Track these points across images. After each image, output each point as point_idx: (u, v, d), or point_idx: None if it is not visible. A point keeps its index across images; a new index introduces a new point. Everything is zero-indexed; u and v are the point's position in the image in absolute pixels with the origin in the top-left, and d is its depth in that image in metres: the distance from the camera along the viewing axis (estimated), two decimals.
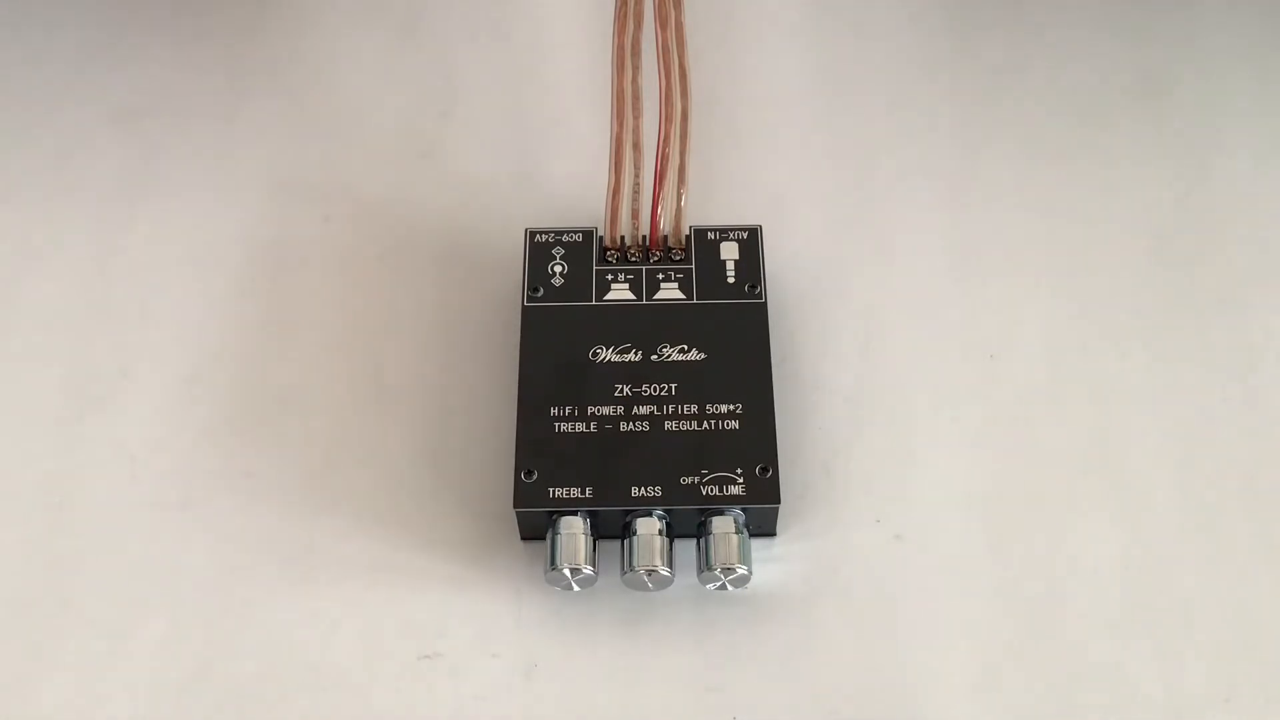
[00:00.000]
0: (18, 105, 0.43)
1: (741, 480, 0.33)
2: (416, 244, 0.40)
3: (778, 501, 0.33)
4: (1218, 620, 0.34)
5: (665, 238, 0.38)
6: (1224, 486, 0.36)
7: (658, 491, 0.33)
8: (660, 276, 0.37)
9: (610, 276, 0.37)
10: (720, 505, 0.33)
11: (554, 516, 0.34)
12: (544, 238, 0.38)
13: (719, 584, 0.34)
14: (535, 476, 0.34)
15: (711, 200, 0.40)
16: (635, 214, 0.37)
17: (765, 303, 0.36)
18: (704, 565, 0.33)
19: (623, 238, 0.38)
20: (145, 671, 0.33)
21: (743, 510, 0.33)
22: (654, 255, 0.37)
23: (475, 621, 0.34)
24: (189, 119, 0.43)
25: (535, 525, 0.34)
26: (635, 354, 0.35)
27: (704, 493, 0.33)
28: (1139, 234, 0.40)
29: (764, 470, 0.34)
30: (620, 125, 0.37)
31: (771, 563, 0.35)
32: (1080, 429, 0.37)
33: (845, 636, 0.34)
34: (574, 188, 0.41)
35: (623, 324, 0.36)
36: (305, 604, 0.34)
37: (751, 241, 0.37)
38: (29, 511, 0.36)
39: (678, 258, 0.37)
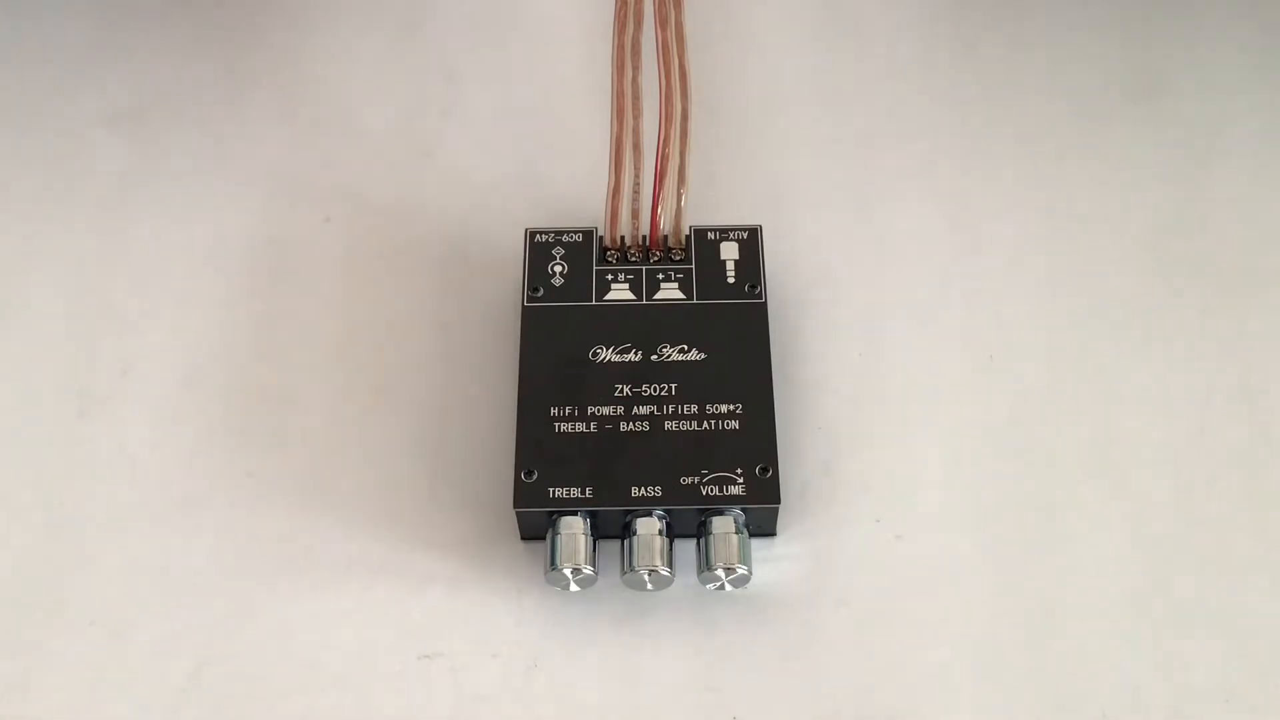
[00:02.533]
0: (18, 105, 0.43)
1: (741, 480, 0.33)
2: (416, 244, 0.40)
3: (778, 501, 0.33)
4: (1218, 620, 0.34)
5: (665, 238, 0.38)
6: (1224, 486, 0.36)
7: (658, 491, 0.33)
8: (660, 276, 0.37)
9: (610, 276, 0.37)
10: (720, 505, 0.33)
11: (554, 516, 0.34)
12: (544, 238, 0.38)
13: (719, 584, 0.34)
14: (535, 476, 0.34)
15: (711, 200, 0.40)
16: (635, 214, 0.37)
17: (765, 303, 0.36)
18: (704, 565, 0.33)
19: (623, 238, 0.38)
20: (144, 671, 0.33)
21: (743, 510, 0.33)
22: (654, 255, 0.37)
23: (475, 621, 0.34)
24: (189, 119, 0.43)
25: (535, 525, 0.34)
26: (635, 354, 0.35)
27: (704, 493, 0.33)
28: (1139, 234, 0.40)
29: (764, 470, 0.34)
30: (620, 125, 0.37)
31: (771, 563, 0.35)
32: (1080, 429, 0.37)
33: (845, 636, 0.34)
34: (574, 188, 0.41)
35: (623, 324, 0.36)
36: (305, 604, 0.34)
37: (751, 241, 0.37)
38: (29, 511, 0.36)
39: (678, 258, 0.37)
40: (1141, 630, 0.34)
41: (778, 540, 0.35)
